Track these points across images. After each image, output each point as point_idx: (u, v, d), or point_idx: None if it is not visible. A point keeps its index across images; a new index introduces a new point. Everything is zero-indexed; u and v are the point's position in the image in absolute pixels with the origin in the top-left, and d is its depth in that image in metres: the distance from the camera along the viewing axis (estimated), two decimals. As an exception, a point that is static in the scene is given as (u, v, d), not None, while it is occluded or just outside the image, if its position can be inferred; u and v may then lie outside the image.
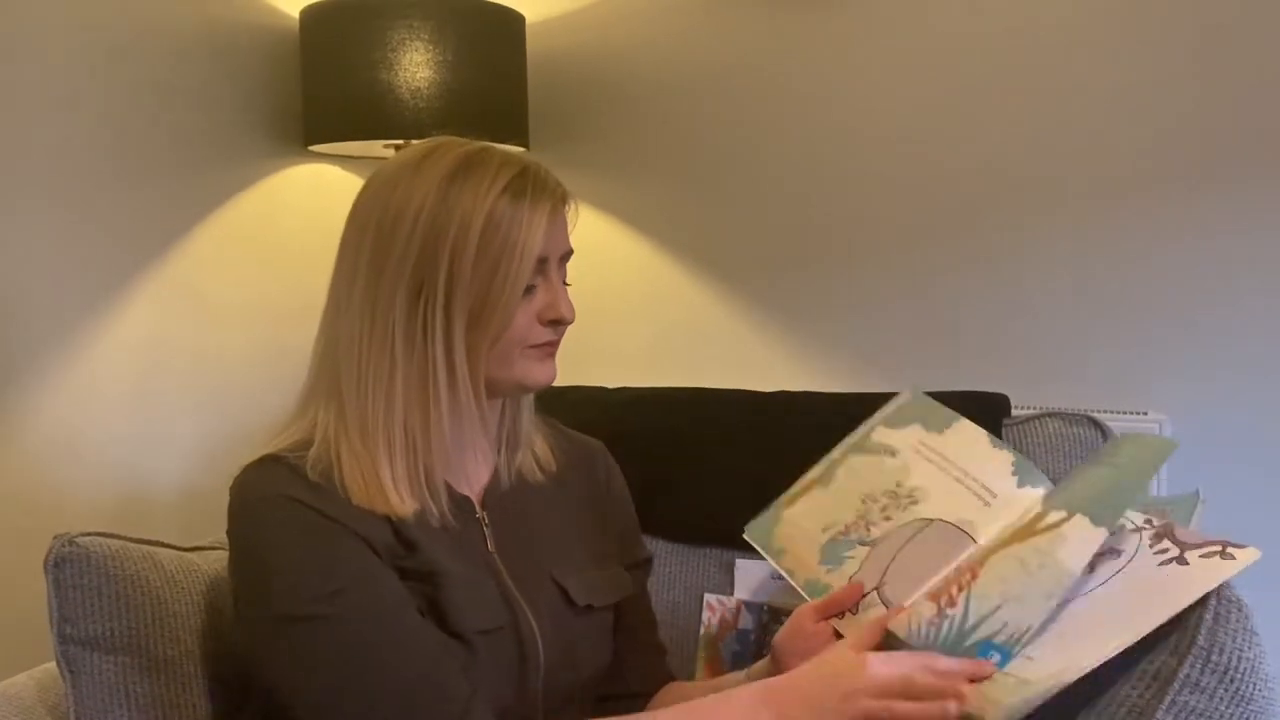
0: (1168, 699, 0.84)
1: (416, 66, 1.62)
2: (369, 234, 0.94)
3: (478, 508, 1.02)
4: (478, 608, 0.95)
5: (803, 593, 1.03)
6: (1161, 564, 0.89)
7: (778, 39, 1.76)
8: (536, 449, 1.08)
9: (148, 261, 1.70)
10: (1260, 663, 0.85)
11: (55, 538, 1.06)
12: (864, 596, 0.98)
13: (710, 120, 1.81)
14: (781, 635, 1.00)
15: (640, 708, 1.08)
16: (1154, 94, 1.55)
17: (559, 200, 0.97)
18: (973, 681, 0.86)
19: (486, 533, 1.01)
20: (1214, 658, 0.84)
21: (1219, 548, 0.88)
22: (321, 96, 1.69)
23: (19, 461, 1.56)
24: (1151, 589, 0.88)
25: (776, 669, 0.99)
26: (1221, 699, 0.84)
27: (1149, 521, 0.94)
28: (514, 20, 1.74)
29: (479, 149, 0.97)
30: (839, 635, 0.97)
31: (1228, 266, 1.53)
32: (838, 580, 1.01)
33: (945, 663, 0.87)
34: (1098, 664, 0.83)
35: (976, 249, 1.66)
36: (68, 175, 1.59)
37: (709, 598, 1.43)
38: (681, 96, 1.83)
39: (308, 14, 1.69)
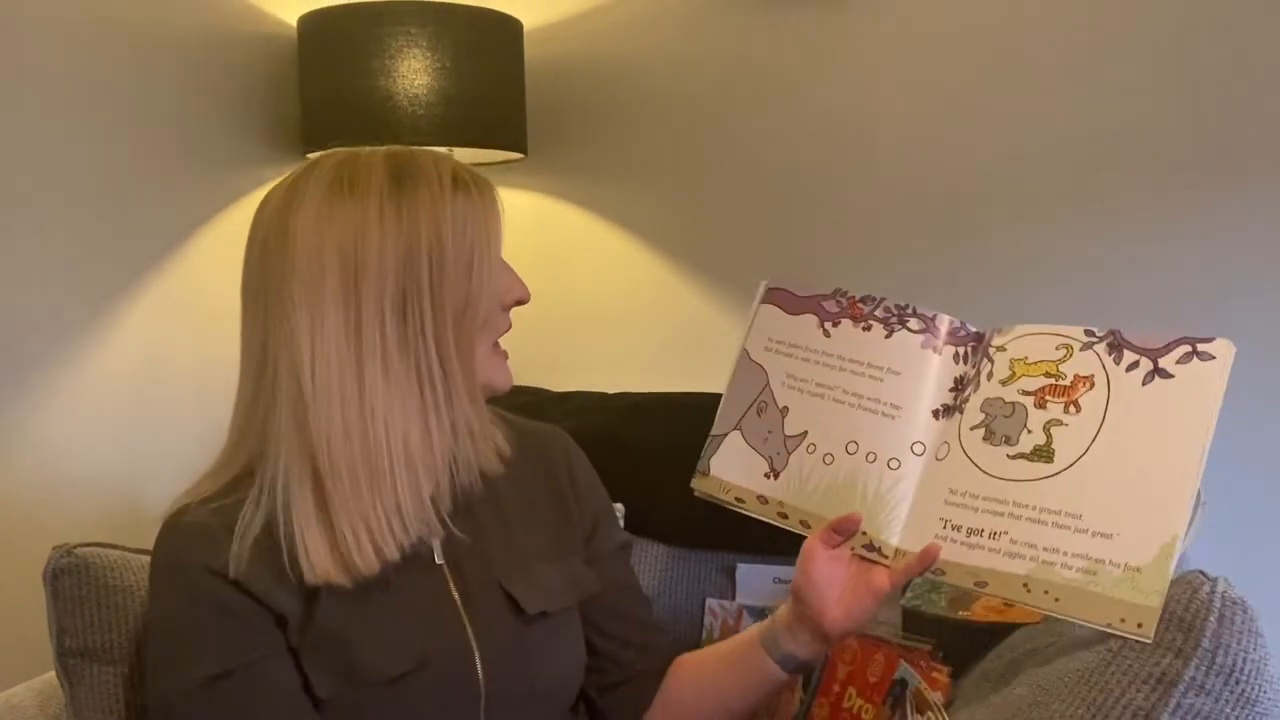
0: (1173, 702, 0.84)
1: (414, 73, 1.62)
2: (330, 266, 0.91)
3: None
4: (390, 654, 0.93)
5: (791, 528, 1.04)
6: (1145, 383, 0.91)
7: (776, 44, 1.75)
8: (497, 440, 1.05)
9: (147, 268, 1.69)
10: (1265, 664, 0.84)
11: (54, 549, 1.06)
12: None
13: (709, 125, 1.81)
14: (798, 577, 1.00)
15: (650, 688, 1.09)
16: (1156, 96, 1.54)
17: (493, 186, 0.99)
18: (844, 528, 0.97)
19: (435, 545, 0.99)
20: (1219, 660, 0.84)
21: (1187, 347, 0.90)
22: (320, 103, 1.69)
23: (18, 470, 1.56)
24: (1162, 419, 0.89)
25: (799, 609, 1.00)
26: (1227, 701, 0.84)
27: (1089, 332, 0.95)
28: (512, 26, 1.74)
29: (396, 152, 0.96)
30: (863, 557, 0.98)
31: (1228, 267, 1.53)
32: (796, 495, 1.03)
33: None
34: (1190, 514, 0.85)
35: (977, 251, 1.66)
36: (66, 182, 1.59)
37: (710, 602, 1.43)
38: (680, 102, 1.83)
39: (306, 21, 1.69)
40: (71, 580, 1.03)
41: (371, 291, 0.91)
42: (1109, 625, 0.86)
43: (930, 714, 1.03)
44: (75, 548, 1.05)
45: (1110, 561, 0.87)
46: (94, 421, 1.63)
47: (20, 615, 1.39)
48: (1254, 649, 0.84)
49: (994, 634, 1.13)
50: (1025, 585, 0.91)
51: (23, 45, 1.54)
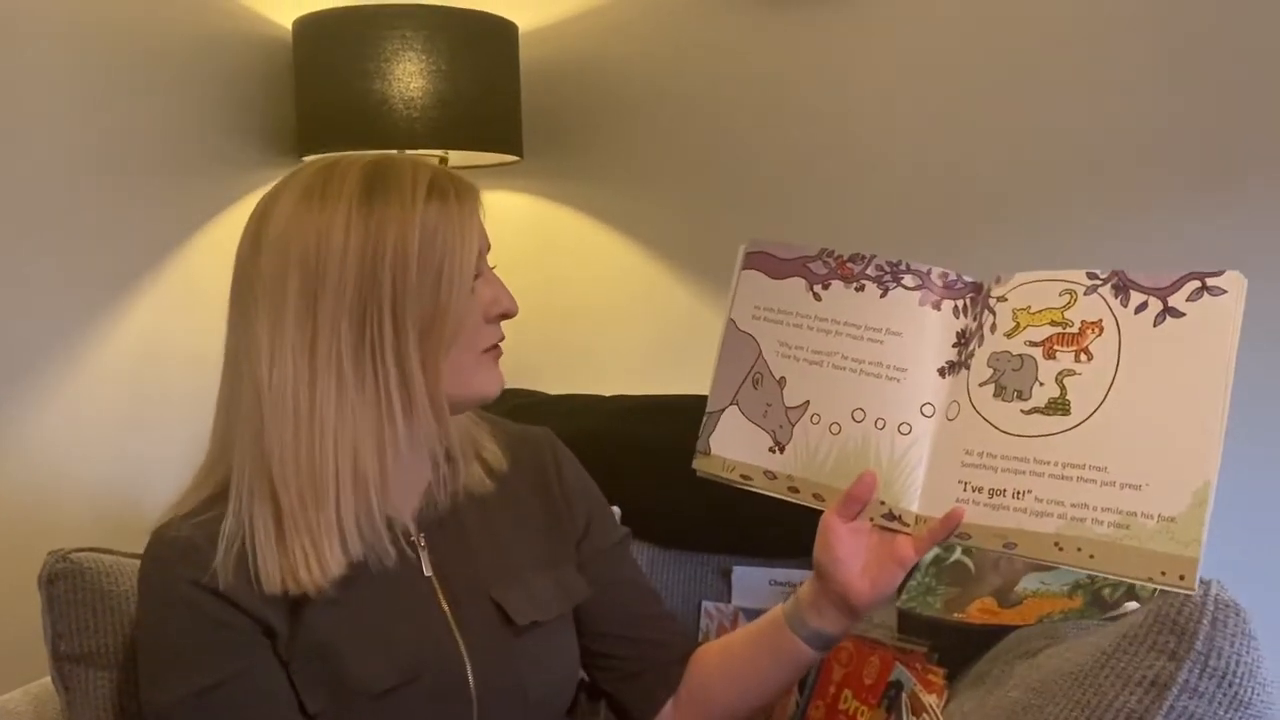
0: (1166, 704, 0.84)
1: (410, 76, 1.62)
2: (292, 274, 0.90)
3: (413, 530, 0.99)
4: (379, 668, 0.92)
5: (807, 503, 1.02)
6: (1156, 324, 0.88)
7: (770, 46, 1.75)
8: (485, 454, 1.04)
9: (143, 272, 1.69)
10: (1258, 667, 0.84)
11: (49, 554, 1.06)
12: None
13: (704, 127, 1.81)
14: (820, 553, 0.98)
15: (670, 676, 1.08)
16: (1156, 96, 1.54)
17: (477, 195, 0.96)
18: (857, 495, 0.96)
19: (422, 556, 0.98)
20: (1212, 662, 0.84)
21: (1196, 283, 0.87)
22: (315, 107, 1.69)
23: (13, 474, 1.56)
24: (1178, 360, 0.87)
25: (822, 585, 0.99)
26: (1220, 703, 0.84)
27: (1092, 275, 0.92)
28: (506, 29, 1.74)
29: (376, 159, 0.94)
30: (883, 527, 0.97)
31: (1228, 264, 1.52)
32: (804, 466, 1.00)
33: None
34: (1219, 455, 0.83)
35: (972, 253, 1.65)
36: (62, 186, 1.59)
37: (707, 605, 1.43)
38: (675, 103, 1.83)
39: (301, 25, 1.69)
40: (67, 585, 1.03)
41: (329, 302, 0.89)
42: (1150, 579, 0.84)
43: (926, 716, 1.03)
44: (70, 553, 1.05)
45: (1143, 513, 0.85)
46: (90, 425, 1.63)
47: (15, 620, 1.39)
48: (1247, 652, 0.84)
49: (989, 636, 1.13)
50: (1057, 544, 0.88)
51: (18, 48, 1.53)
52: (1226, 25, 1.50)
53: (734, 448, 1.05)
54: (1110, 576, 0.88)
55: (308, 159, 1.73)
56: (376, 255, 0.89)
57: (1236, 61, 1.50)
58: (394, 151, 1.60)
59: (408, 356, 0.90)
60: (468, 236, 0.93)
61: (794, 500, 1.02)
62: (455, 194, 0.93)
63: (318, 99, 1.68)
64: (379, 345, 0.90)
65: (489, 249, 0.99)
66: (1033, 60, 1.60)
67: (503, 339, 0.99)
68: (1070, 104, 1.59)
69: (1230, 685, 0.84)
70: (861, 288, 1.00)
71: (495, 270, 0.99)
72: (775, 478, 1.02)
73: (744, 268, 1.08)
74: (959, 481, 0.94)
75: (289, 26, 1.74)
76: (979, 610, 1.16)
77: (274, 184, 0.97)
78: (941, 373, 0.98)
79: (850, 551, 0.97)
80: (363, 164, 0.93)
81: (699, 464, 1.08)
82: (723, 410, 1.06)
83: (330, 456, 0.89)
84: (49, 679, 1.08)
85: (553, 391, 1.66)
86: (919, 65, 1.67)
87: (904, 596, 1.23)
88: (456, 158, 1.76)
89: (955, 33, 1.64)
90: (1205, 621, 0.84)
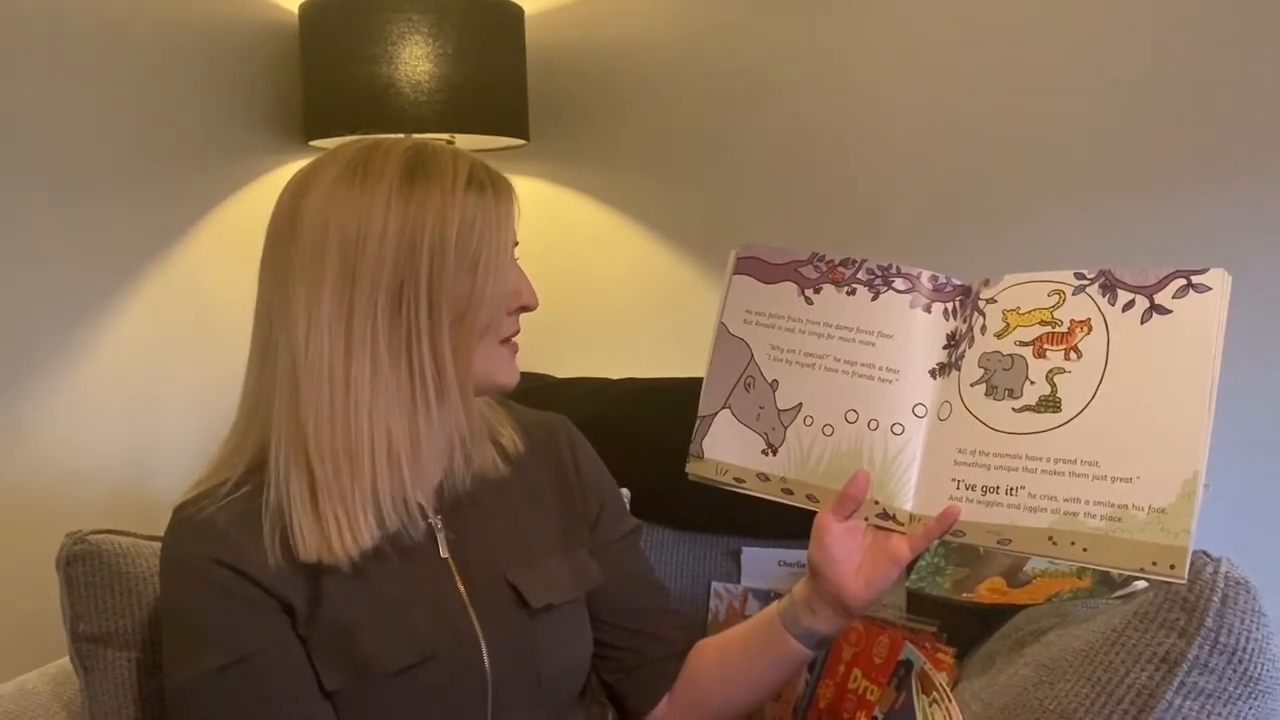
0: (1177, 680, 0.85)
1: (416, 60, 1.62)
2: (330, 249, 0.90)
3: (431, 512, 1.00)
4: (396, 647, 0.93)
5: (800, 504, 1.03)
6: (1143, 321, 0.90)
7: (777, 28, 1.75)
8: (501, 438, 1.05)
9: (149, 259, 1.70)
10: (1268, 643, 0.85)
11: (67, 535, 1.06)
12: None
13: (710, 110, 1.81)
14: (815, 553, 0.99)
15: (668, 672, 1.10)
16: (1157, 90, 1.54)
17: (513, 191, 0.97)
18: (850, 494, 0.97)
19: (439, 537, 0.99)
20: (1222, 639, 0.85)
21: (1181, 280, 0.89)
22: (321, 92, 1.69)
23: (26, 461, 1.57)
24: (1165, 356, 0.88)
25: (817, 585, 1.00)
26: (1230, 679, 0.85)
27: (1080, 275, 0.94)
28: (513, 13, 1.74)
29: (417, 144, 0.95)
30: (878, 526, 0.98)
31: (1225, 265, 1.53)
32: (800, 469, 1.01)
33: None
34: (1207, 447, 0.84)
35: (980, 243, 1.66)
36: (67, 173, 1.59)
37: (716, 586, 1.43)
38: (681, 87, 1.83)
39: (307, 9, 1.69)
40: (85, 567, 1.04)
41: (367, 280, 0.90)
42: (1141, 570, 0.85)
43: (935, 695, 1.04)
44: (88, 535, 1.06)
45: (1134, 505, 0.86)
46: (99, 409, 1.64)
47: (32, 602, 1.40)
48: (1257, 628, 0.85)
49: (998, 615, 1.14)
50: (1050, 538, 0.90)
51: (23, 36, 1.53)
52: (1222, 25, 1.50)
53: (727, 451, 1.07)
54: (1102, 568, 0.89)
55: (315, 143, 1.74)
56: (415, 237, 0.90)
57: (1230, 61, 1.50)
58: (431, 136, 1.60)
59: (441, 343, 0.92)
60: (503, 230, 0.94)
61: (788, 502, 1.03)
62: (493, 187, 0.94)
63: (324, 83, 1.68)
64: (415, 327, 0.91)
65: (517, 245, 1.00)
66: (1040, 51, 1.60)
67: (518, 332, 1.00)
68: (1072, 96, 1.59)
69: (1240, 662, 0.84)
70: (853, 291, 1.02)
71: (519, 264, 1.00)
72: (769, 480, 1.04)
73: (735, 273, 1.09)
74: (952, 480, 0.95)
75: (295, 11, 1.73)
76: (988, 590, 1.16)
77: (310, 161, 0.97)
78: (933, 374, 0.99)
79: (845, 551, 0.98)
80: (404, 147, 0.94)
81: (692, 468, 1.09)
82: (715, 414, 1.08)
83: (365, 430, 0.91)
84: (67, 660, 1.09)
85: (560, 375, 1.67)
86: (926, 52, 1.67)
87: (913, 576, 1.24)
88: (463, 141, 1.76)
89: (962, 20, 1.64)
90: (1215, 598, 0.85)
